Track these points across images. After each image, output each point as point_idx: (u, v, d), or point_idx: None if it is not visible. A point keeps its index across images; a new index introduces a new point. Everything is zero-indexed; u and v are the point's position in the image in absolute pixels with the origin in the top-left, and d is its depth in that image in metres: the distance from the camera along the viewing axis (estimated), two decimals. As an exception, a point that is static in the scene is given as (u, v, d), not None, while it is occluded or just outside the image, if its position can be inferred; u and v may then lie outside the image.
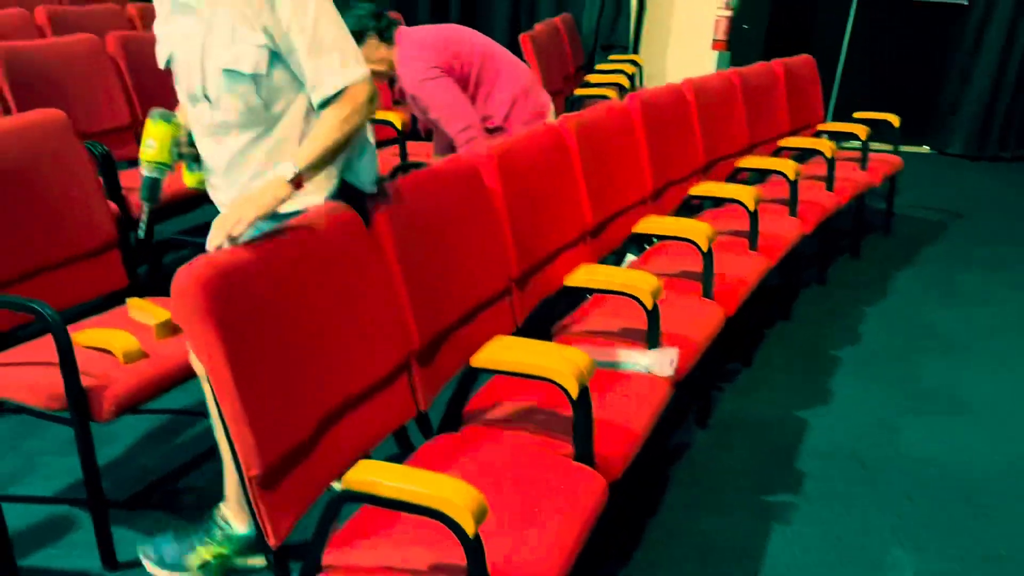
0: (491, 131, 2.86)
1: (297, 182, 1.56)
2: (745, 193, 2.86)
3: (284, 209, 1.61)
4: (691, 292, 2.58)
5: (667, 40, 6.36)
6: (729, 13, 5.94)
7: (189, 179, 1.84)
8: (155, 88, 3.43)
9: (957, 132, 6.41)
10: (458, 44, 2.80)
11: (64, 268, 2.14)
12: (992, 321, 3.58)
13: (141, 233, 1.85)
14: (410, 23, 3.04)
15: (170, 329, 2.05)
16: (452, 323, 1.98)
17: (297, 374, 1.50)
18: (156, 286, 3.15)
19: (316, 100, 1.63)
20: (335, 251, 1.64)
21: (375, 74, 2.78)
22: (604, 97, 4.52)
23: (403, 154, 3.60)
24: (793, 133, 4.31)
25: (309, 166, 1.58)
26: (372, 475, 1.32)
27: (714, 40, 6.06)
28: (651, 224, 2.52)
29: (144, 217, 1.81)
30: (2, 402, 1.88)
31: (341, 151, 1.65)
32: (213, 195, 1.82)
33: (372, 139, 1.83)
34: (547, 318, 2.39)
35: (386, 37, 2.71)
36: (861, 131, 4.04)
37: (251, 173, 1.71)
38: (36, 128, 2.09)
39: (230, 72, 1.62)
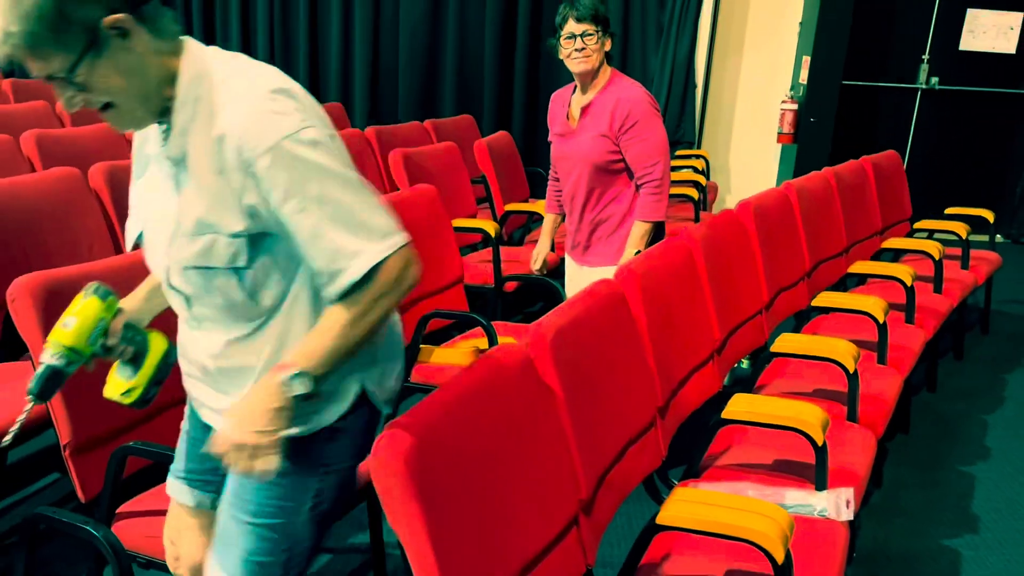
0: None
1: (308, 393, 1.20)
2: (875, 305, 2.72)
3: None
4: (832, 415, 2.41)
5: (730, 134, 6.34)
6: (794, 106, 5.91)
7: (114, 388, 1.41)
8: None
9: (1032, 220, 6.26)
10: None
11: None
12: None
13: (9, 438, 1.35)
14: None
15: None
16: (608, 464, 1.84)
17: (488, 540, 1.36)
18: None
19: (333, 295, 1.22)
20: (513, 403, 1.51)
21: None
22: (685, 196, 4.44)
23: (496, 259, 3.50)
24: (884, 231, 4.19)
25: (316, 366, 1.21)
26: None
27: (780, 133, 6.02)
28: (791, 343, 2.38)
29: (22, 416, 1.32)
30: (133, 555, 1.74)
31: (363, 344, 1.25)
32: (191, 391, 1.44)
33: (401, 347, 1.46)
34: (685, 448, 2.23)
35: (610, 56, 2.75)
36: (961, 229, 3.90)
37: (245, 379, 1.33)
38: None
39: (198, 268, 1.26)
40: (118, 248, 2.80)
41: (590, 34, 2.63)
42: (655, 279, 2.19)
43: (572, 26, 2.65)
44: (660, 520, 1.53)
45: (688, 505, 1.55)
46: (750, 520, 1.48)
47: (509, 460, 1.46)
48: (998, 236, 6.46)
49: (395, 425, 1.25)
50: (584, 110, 2.73)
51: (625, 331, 2.00)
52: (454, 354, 2.59)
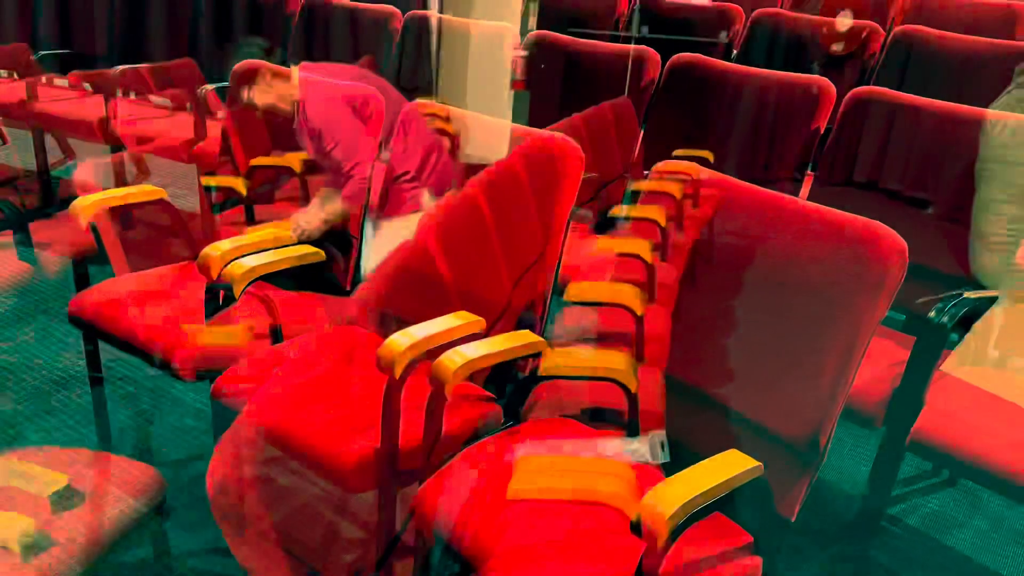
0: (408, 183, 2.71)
1: None
2: (643, 247, 2.82)
3: None
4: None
5: (464, 81, 6.30)
6: (525, 53, 6.01)
7: None
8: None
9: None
10: (367, 89, 2.62)
11: None
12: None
13: None
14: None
15: (70, 498, 1.56)
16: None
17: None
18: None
19: None
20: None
21: (276, 111, 2.52)
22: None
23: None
24: (623, 175, 4.40)
25: None
26: None
27: (513, 79, 6.09)
28: (584, 290, 2.40)
29: None
30: None
31: None
32: None
33: None
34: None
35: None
36: (693, 170, 4.20)
37: None
38: None
39: None
40: None
41: None
42: (452, 231, 2.07)
43: None
44: (512, 495, 1.44)
45: (536, 476, 1.47)
46: (599, 483, 1.44)
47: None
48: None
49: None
50: None
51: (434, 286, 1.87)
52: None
